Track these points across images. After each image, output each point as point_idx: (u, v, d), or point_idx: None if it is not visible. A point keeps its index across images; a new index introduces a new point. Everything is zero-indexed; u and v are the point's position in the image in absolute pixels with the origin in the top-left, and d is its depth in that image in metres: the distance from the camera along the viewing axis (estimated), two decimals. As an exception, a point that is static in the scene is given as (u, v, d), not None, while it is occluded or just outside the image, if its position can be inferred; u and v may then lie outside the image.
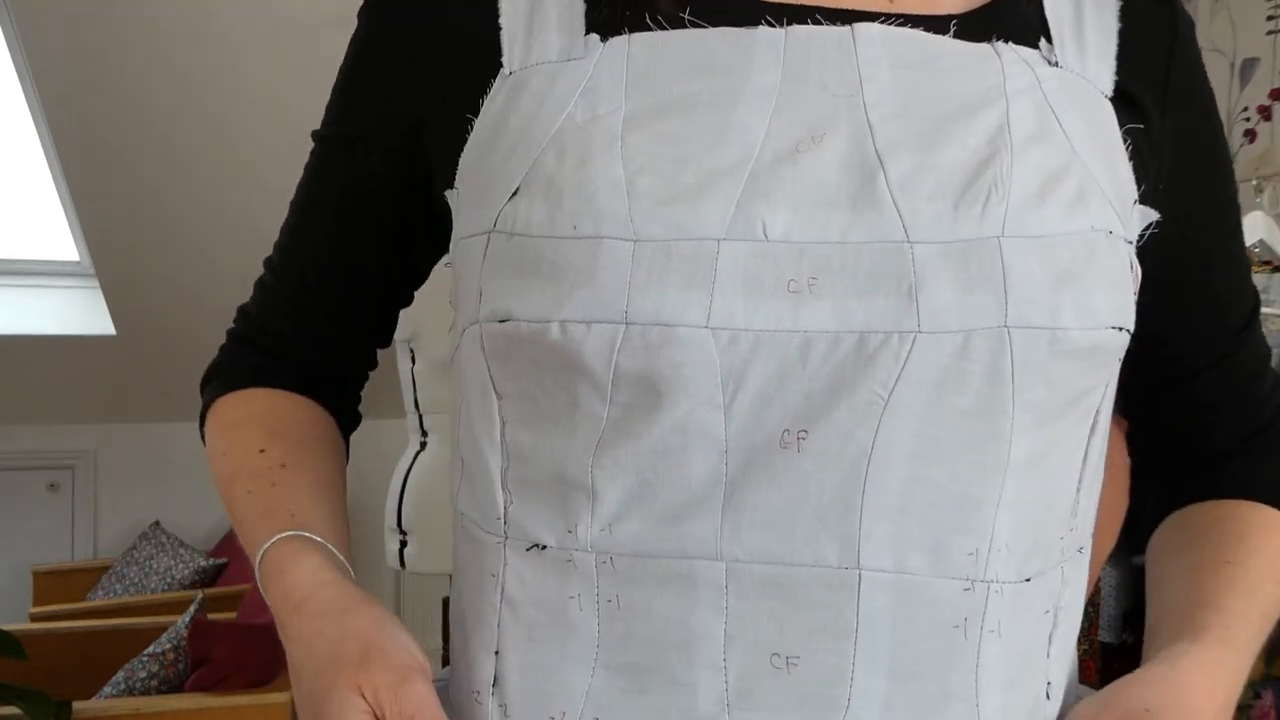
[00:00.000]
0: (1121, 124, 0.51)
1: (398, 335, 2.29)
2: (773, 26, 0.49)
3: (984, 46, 0.49)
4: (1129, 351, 0.52)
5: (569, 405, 0.46)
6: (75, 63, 2.38)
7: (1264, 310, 1.64)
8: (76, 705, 1.94)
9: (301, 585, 0.52)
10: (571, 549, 0.47)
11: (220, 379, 0.64)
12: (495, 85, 0.51)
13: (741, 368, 0.44)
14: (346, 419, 0.66)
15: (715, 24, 0.49)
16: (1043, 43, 0.51)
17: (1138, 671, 0.51)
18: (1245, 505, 0.58)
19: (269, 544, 0.54)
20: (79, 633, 2.62)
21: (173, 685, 2.19)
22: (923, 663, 0.44)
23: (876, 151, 0.45)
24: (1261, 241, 1.66)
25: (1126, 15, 0.53)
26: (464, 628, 0.52)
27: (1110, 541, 1.71)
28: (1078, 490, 0.49)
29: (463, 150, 0.51)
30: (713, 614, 0.45)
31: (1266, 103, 2.05)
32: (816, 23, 0.49)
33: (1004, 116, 0.47)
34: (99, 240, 2.86)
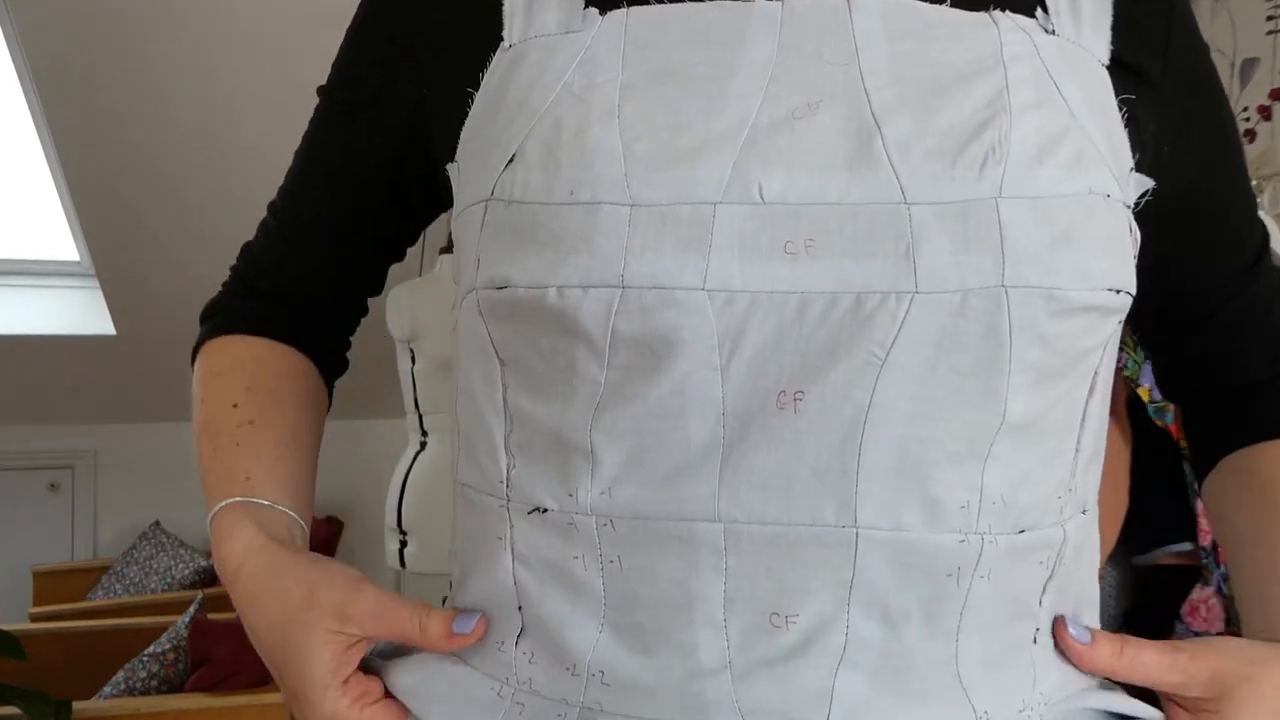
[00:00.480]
0: (1118, 92, 0.51)
1: (398, 335, 2.30)
2: (769, 0, 0.49)
3: (981, 15, 0.49)
4: (1154, 296, 0.54)
5: (567, 370, 0.46)
6: (75, 62, 2.38)
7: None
8: (76, 705, 1.94)
9: (235, 554, 0.54)
10: (572, 512, 0.47)
11: (217, 318, 0.66)
12: (495, 59, 0.51)
13: (738, 329, 0.44)
14: (333, 365, 0.68)
15: None
16: (1039, 12, 0.51)
17: (1253, 644, 0.53)
18: None
19: (214, 511, 0.56)
20: (79, 633, 2.62)
21: (173, 685, 2.19)
22: (914, 607, 0.45)
23: (873, 115, 0.46)
24: (1261, 241, 1.66)
25: None
26: (474, 589, 0.52)
27: (1110, 541, 1.71)
28: (1076, 451, 0.49)
29: (463, 124, 0.52)
30: (712, 575, 0.45)
31: (1266, 103, 2.05)
32: None
33: (1002, 81, 0.47)
34: (99, 240, 2.86)
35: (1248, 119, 2.09)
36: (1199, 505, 1.45)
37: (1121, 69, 0.52)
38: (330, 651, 0.51)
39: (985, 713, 0.47)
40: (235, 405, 0.60)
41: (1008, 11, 0.50)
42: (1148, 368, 1.56)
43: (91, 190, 2.72)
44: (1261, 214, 1.73)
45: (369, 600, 0.50)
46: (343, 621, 0.51)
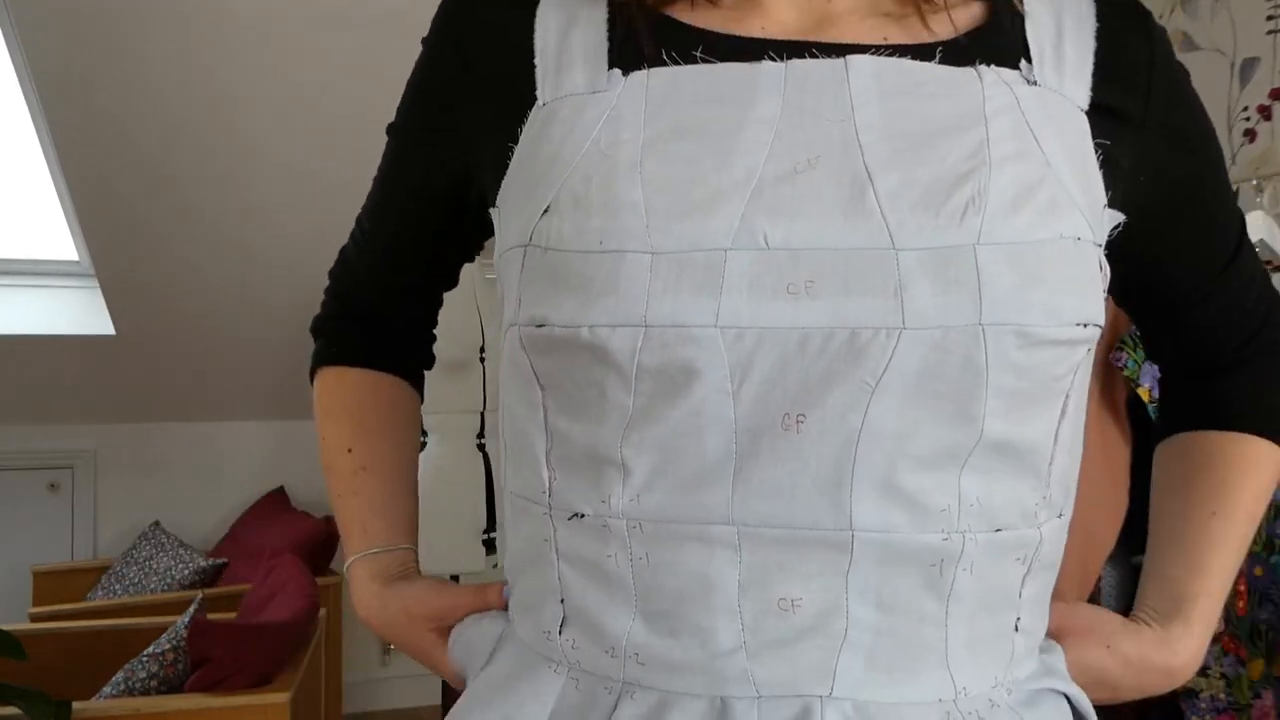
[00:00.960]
0: (1097, 134, 0.57)
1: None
2: (775, 61, 0.55)
3: (967, 70, 0.55)
4: (1149, 283, 0.65)
5: (599, 395, 0.53)
6: (75, 62, 2.38)
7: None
8: (76, 705, 1.94)
9: (362, 605, 0.72)
10: (606, 517, 0.54)
11: (324, 342, 0.78)
12: (530, 115, 0.58)
13: (747, 360, 0.50)
14: (420, 361, 0.80)
15: (724, 60, 0.55)
16: (1023, 63, 0.56)
17: (1151, 630, 0.65)
18: (1231, 441, 0.68)
19: (347, 565, 0.74)
20: (79, 633, 2.62)
21: (173, 685, 2.19)
22: (903, 595, 0.52)
23: (866, 168, 0.51)
24: (1262, 241, 1.65)
25: (1103, 35, 0.59)
26: (526, 584, 0.61)
27: (1110, 541, 1.71)
28: (1050, 464, 0.55)
29: (505, 173, 0.59)
30: (728, 569, 0.51)
31: (1266, 103, 2.05)
32: (814, 56, 0.55)
33: (984, 135, 0.52)
34: (99, 240, 2.86)
35: (1248, 119, 2.08)
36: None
37: (1102, 112, 0.57)
38: (432, 641, 0.68)
39: (964, 688, 0.53)
40: (349, 450, 0.74)
41: (992, 65, 0.55)
42: (1148, 367, 1.56)
43: (91, 190, 2.72)
44: (1261, 214, 1.71)
45: (446, 599, 0.68)
46: (434, 621, 0.68)
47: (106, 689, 2.18)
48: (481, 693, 0.60)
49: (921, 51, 0.56)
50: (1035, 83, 0.56)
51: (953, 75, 0.55)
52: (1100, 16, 0.59)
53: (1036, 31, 0.58)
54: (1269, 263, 1.68)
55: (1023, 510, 0.54)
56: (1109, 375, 1.61)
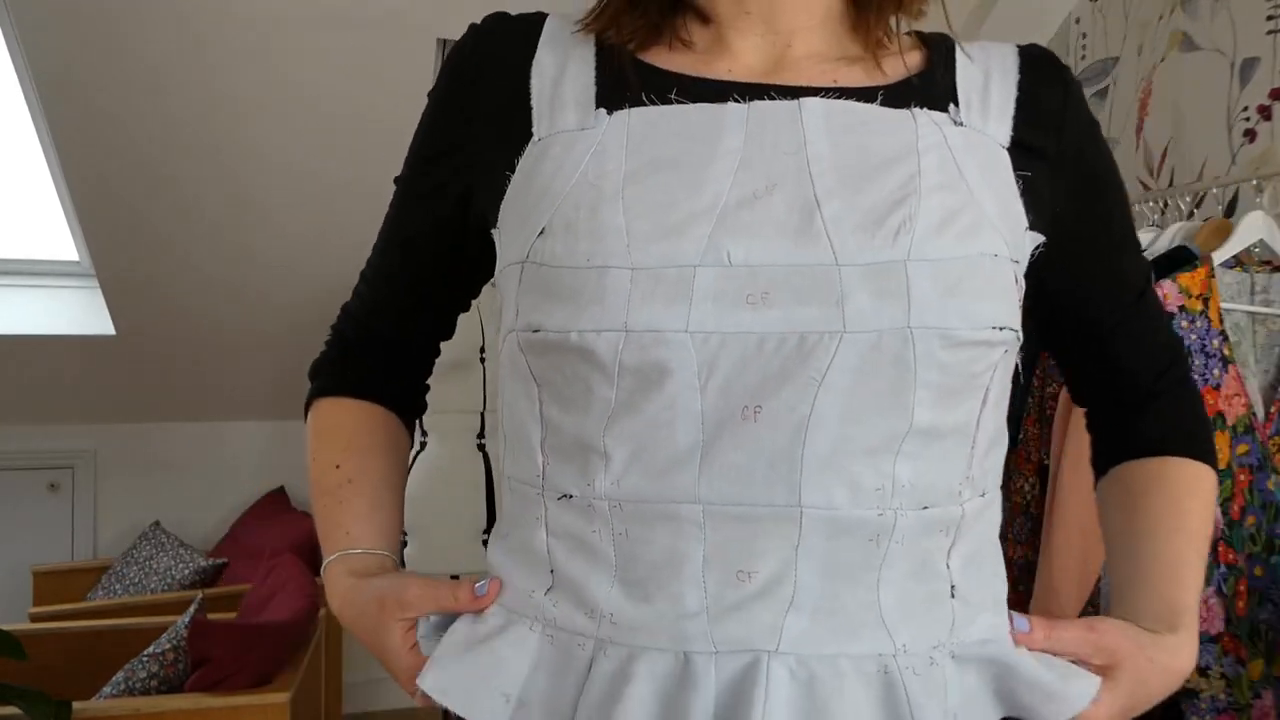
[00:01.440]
0: (1019, 167, 0.66)
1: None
2: (739, 102, 0.64)
3: (904, 112, 0.65)
4: (1059, 320, 0.75)
5: (586, 391, 0.61)
6: (75, 62, 2.38)
7: (1264, 310, 1.63)
8: (76, 705, 1.94)
9: (337, 597, 0.74)
10: (590, 497, 0.62)
11: (321, 379, 0.83)
12: (527, 149, 0.66)
13: (713, 360, 0.58)
14: (413, 405, 0.85)
15: (695, 100, 0.64)
16: (952, 107, 0.66)
17: (1165, 639, 0.69)
18: (1170, 464, 0.76)
19: (325, 564, 0.76)
20: (79, 633, 2.62)
21: (173, 685, 2.19)
22: (844, 564, 0.60)
23: (815, 196, 0.60)
24: (1261, 241, 1.65)
25: (1023, 85, 0.69)
26: (517, 554, 0.68)
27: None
28: (972, 448, 0.63)
29: (503, 199, 0.67)
30: (695, 543, 0.60)
31: (1266, 103, 2.05)
32: (773, 98, 0.64)
33: (916, 167, 0.62)
34: (99, 240, 2.86)
35: (1248, 119, 2.08)
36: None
37: (1022, 149, 0.67)
38: (399, 630, 0.69)
39: (904, 646, 0.61)
40: (338, 466, 0.78)
41: (925, 108, 0.65)
42: (1148, 368, 1.56)
43: (91, 190, 2.72)
44: (1261, 214, 1.70)
45: (417, 587, 0.69)
46: (404, 609, 0.69)
47: (106, 689, 2.18)
48: (464, 643, 0.67)
49: (865, 94, 0.65)
50: (962, 124, 0.66)
51: (891, 116, 0.64)
52: (1022, 70, 0.70)
53: (966, 80, 0.68)
54: (1269, 263, 1.68)
55: (948, 490, 0.62)
56: (1109, 375, 1.62)
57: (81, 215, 2.82)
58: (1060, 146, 0.69)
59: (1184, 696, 1.51)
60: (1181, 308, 1.56)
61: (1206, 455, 0.77)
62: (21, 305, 3.18)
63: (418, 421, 2.35)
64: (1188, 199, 2.08)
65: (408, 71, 2.42)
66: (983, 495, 0.65)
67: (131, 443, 3.50)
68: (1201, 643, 1.50)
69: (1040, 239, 0.67)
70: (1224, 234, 1.65)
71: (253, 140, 2.63)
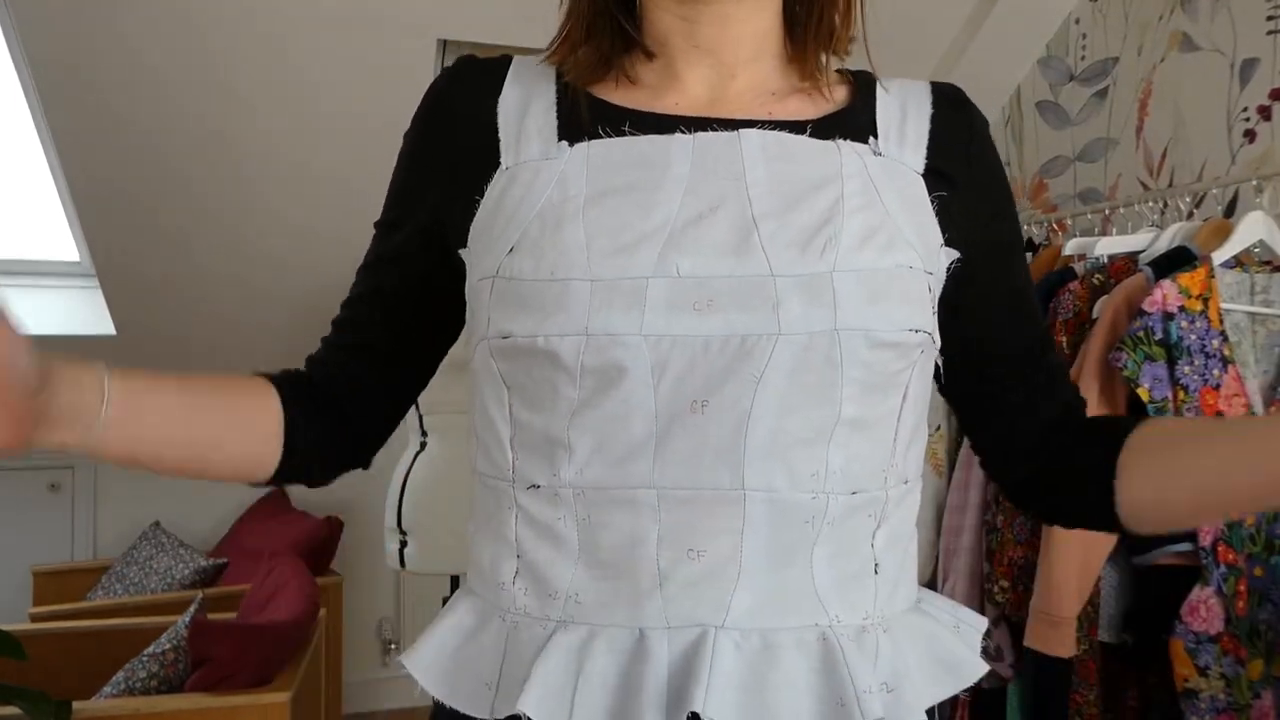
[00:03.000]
0: (933, 190, 0.75)
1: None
2: (685, 133, 0.72)
3: (829, 143, 0.73)
4: (978, 347, 0.79)
5: (551, 391, 0.67)
6: (75, 62, 2.38)
7: (1264, 310, 1.63)
8: (76, 705, 1.94)
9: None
10: (557, 487, 0.68)
11: (279, 374, 0.83)
12: (495, 177, 0.74)
13: (664, 361, 0.65)
14: (347, 446, 0.85)
15: (646, 132, 0.72)
16: (871, 139, 0.75)
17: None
18: (1147, 421, 0.78)
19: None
20: (79, 633, 2.62)
21: (173, 685, 2.19)
22: (784, 544, 0.67)
23: (753, 217, 0.68)
24: (1261, 242, 1.65)
25: (936, 120, 0.78)
26: (487, 546, 0.73)
27: (1110, 542, 1.71)
28: (894, 440, 0.71)
29: (472, 221, 0.74)
30: (650, 525, 0.66)
31: (1266, 103, 2.05)
32: (715, 129, 0.72)
33: (840, 192, 0.70)
34: (99, 240, 2.86)
35: (1248, 119, 2.09)
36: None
37: (935, 175, 0.75)
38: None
39: (837, 617, 0.68)
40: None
41: (848, 140, 0.74)
42: (1148, 367, 1.56)
43: (91, 190, 2.72)
44: (1261, 214, 1.70)
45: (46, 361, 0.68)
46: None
47: (106, 689, 2.19)
48: (447, 639, 0.74)
49: (796, 127, 0.73)
50: (880, 154, 0.74)
51: (819, 146, 0.73)
52: (934, 104, 0.79)
53: (885, 115, 0.77)
54: (1269, 263, 1.68)
55: (874, 477, 0.69)
56: (1109, 375, 1.62)
57: (81, 215, 2.82)
58: (969, 174, 0.78)
59: (1184, 696, 1.51)
60: (1181, 308, 1.56)
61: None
62: (21, 305, 3.17)
63: (418, 421, 2.36)
64: (1187, 199, 2.08)
65: (409, 72, 2.42)
66: (905, 483, 0.73)
67: (131, 443, 3.50)
68: (1201, 643, 1.50)
69: (955, 254, 0.75)
70: (1224, 234, 1.66)
71: (255, 139, 2.63)
